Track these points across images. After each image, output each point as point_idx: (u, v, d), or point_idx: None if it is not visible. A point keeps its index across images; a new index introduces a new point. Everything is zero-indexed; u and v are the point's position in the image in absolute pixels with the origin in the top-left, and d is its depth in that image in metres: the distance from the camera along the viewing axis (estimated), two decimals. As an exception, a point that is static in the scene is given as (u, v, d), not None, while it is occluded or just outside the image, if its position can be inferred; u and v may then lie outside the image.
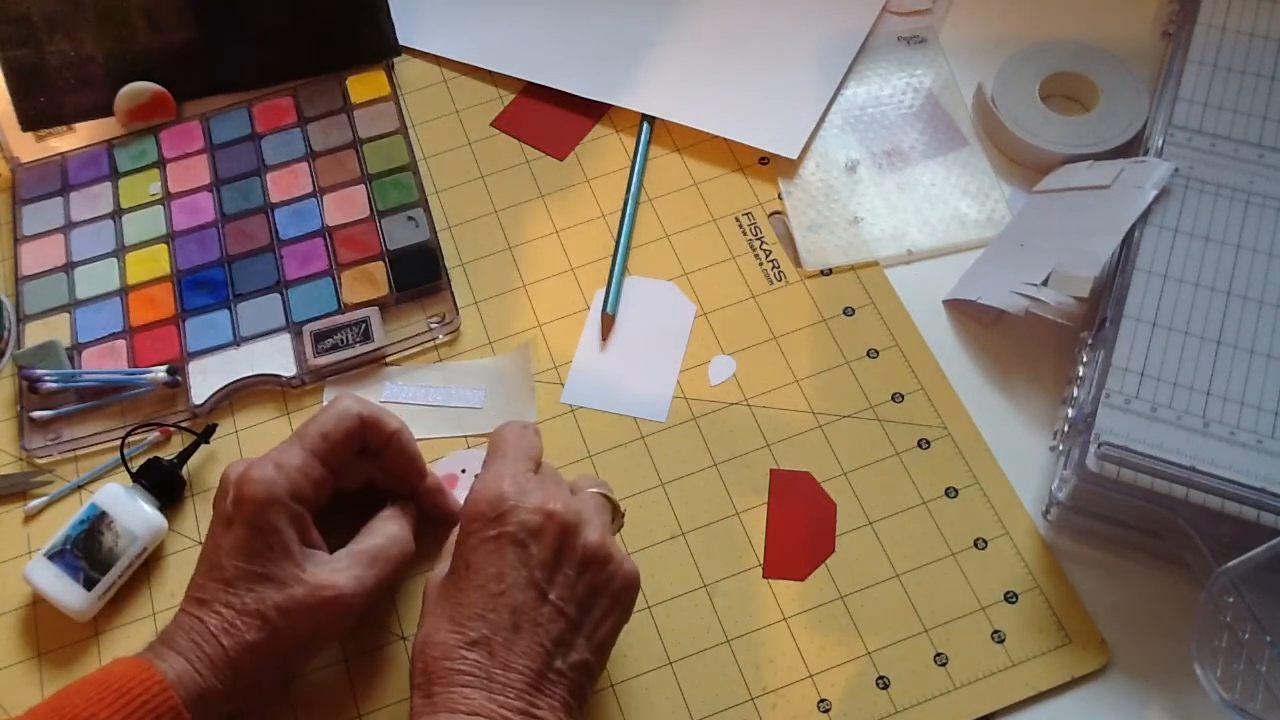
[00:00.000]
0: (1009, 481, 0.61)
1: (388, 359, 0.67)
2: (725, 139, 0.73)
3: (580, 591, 0.50)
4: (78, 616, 0.59)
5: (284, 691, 0.57)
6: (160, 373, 0.65)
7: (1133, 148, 0.69)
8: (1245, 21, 0.68)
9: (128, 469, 0.62)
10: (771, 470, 0.62)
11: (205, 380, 0.66)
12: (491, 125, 0.75)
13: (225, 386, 0.66)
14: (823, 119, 0.73)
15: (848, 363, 0.65)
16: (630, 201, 0.71)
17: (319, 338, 0.67)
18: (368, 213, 0.71)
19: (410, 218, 0.71)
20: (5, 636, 0.60)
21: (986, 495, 0.61)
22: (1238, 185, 0.62)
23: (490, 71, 0.77)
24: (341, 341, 0.66)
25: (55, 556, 0.59)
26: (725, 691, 0.56)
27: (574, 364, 0.66)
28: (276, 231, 0.71)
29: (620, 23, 0.78)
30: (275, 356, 0.67)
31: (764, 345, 0.66)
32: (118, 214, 0.73)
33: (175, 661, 0.50)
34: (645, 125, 0.74)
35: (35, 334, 0.69)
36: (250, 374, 0.66)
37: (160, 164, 0.75)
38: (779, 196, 0.71)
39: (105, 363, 0.67)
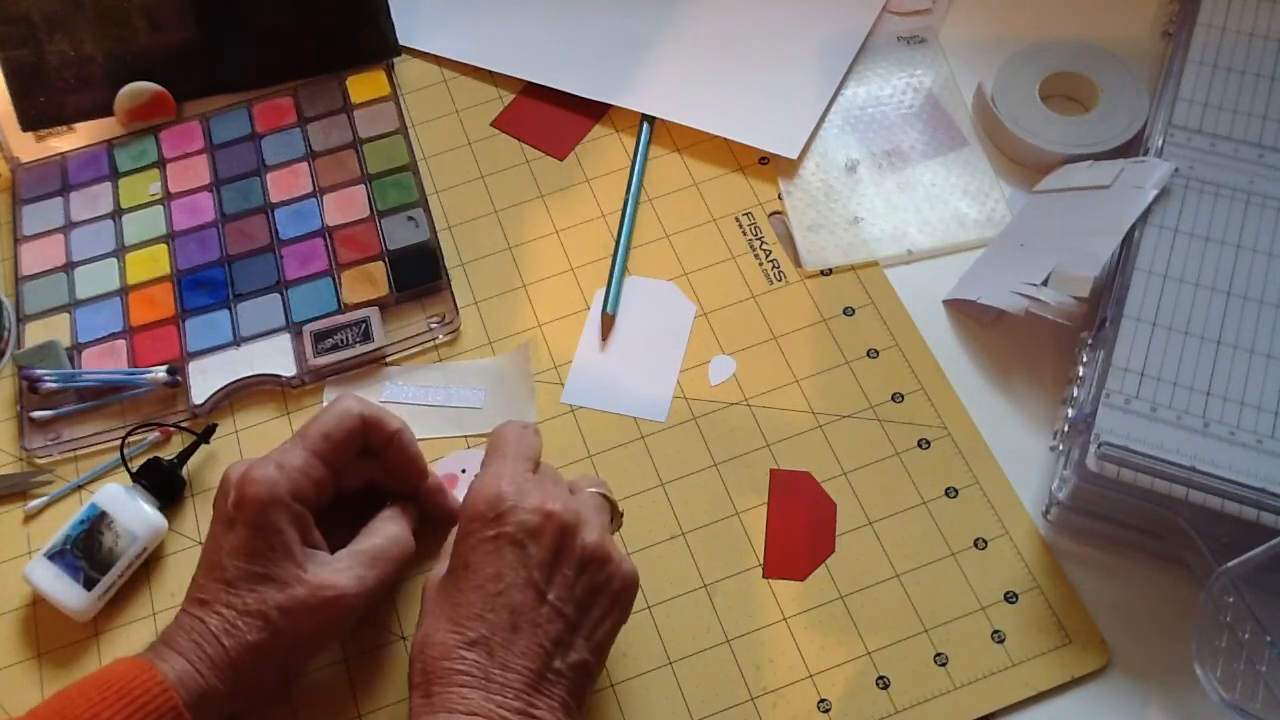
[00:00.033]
0: (1009, 481, 0.61)
1: (388, 359, 0.67)
2: (725, 139, 0.73)
3: (579, 592, 0.50)
4: (78, 616, 0.59)
5: (284, 691, 0.57)
6: (160, 373, 0.65)
7: (1133, 148, 0.69)
8: (1245, 21, 0.68)
9: (128, 469, 0.62)
10: (771, 470, 0.62)
11: (205, 380, 0.66)
12: (491, 125, 0.75)
13: (225, 386, 0.66)
14: (823, 119, 0.73)
15: (848, 363, 0.65)
16: (630, 201, 0.71)
17: (319, 338, 0.67)
18: (368, 213, 0.71)
19: (410, 218, 0.71)
20: (5, 636, 0.60)
21: (986, 495, 0.61)
22: (1238, 185, 0.62)
23: (490, 71, 0.77)
24: (341, 341, 0.66)
25: (55, 556, 0.59)
26: (725, 691, 0.56)
27: (574, 364, 0.66)
28: (276, 231, 0.71)
29: (620, 23, 0.78)
30: (275, 356, 0.67)
31: (764, 345, 0.66)
32: (118, 214, 0.73)
33: (176, 662, 0.50)
34: (645, 125, 0.74)
35: (35, 334, 0.69)
36: (250, 374, 0.66)
37: (160, 164, 0.75)
38: (779, 196, 0.71)
39: (105, 363, 0.67)
